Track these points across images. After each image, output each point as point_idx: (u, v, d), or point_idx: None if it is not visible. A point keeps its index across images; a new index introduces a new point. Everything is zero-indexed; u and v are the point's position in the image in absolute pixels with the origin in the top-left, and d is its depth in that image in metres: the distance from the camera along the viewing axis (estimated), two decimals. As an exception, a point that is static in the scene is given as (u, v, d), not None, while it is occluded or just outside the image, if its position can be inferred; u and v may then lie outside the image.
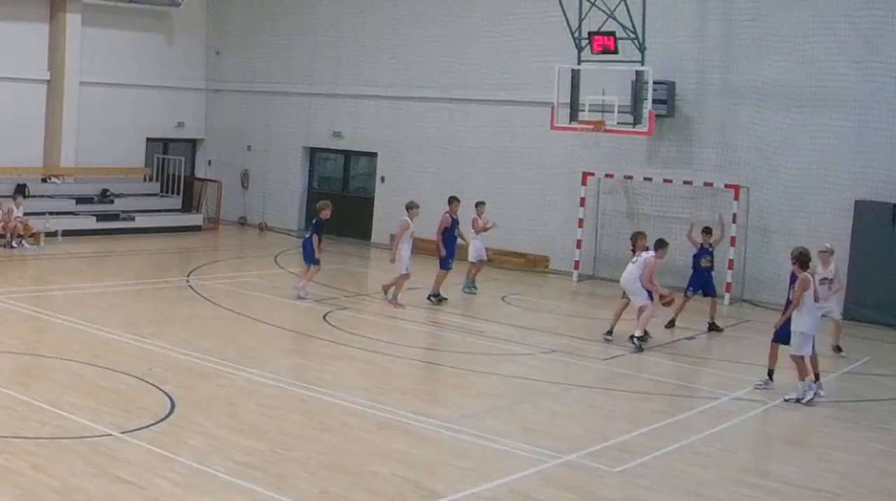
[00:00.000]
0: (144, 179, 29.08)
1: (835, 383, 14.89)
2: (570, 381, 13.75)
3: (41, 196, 25.76)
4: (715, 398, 13.24)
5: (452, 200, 19.20)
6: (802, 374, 13.04)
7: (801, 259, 13.04)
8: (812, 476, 10.32)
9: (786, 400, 12.97)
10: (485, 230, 20.11)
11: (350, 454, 10.10)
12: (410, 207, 18.34)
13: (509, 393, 13.13)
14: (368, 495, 8.97)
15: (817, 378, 13.34)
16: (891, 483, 10.37)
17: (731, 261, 20.74)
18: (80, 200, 26.39)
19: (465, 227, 19.76)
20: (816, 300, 13.07)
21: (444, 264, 18.81)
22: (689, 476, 10.12)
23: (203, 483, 8.98)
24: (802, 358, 13.01)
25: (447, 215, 18.99)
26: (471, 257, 20.16)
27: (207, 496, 8.71)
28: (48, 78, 26.77)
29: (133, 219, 26.72)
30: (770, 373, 13.58)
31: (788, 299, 13.25)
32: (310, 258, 18.50)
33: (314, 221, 18.81)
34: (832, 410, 13.39)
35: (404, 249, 17.99)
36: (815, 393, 13.09)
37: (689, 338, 16.70)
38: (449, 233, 18.92)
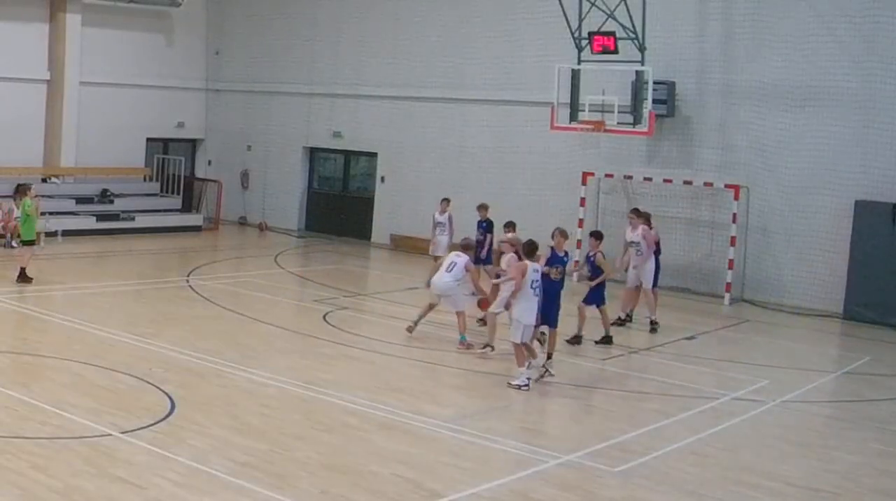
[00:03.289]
0: (144, 179, 29.07)
1: (835, 383, 14.92)
2: (570, 381, 13.75)
3: (41, 196, 25.69)
4: (715, 398, 13.24)
5: (595, 234, 17.19)
6: (519, 360, 13.15)
7: (526, 247, 13.48)
8: (812, 476, 10.32)
9: (509, 385, 13.03)
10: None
11: (350, 454, 10.10)
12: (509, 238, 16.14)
13: (509, 393, 13.12)
14: (368, 495, 8.98)
15: (549, 356, 13.58)
16: (890, 483, 10.37)
17: (731, 261, 20.73)
18: (80, 200, 26.37)
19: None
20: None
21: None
22: (689, 476, 10.12)
23: (203, 483, 8.98)
24: (519, 344, 13.18)
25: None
26: None
27: (207, 496, 8.72)
28: (48, 78, 26.76)
29: (133, 219, 26.71)
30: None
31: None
32: None
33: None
34: (832, 410, 13.41)
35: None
36: (530, 379, 13.05)
37: (689, 338, 16.69)
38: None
